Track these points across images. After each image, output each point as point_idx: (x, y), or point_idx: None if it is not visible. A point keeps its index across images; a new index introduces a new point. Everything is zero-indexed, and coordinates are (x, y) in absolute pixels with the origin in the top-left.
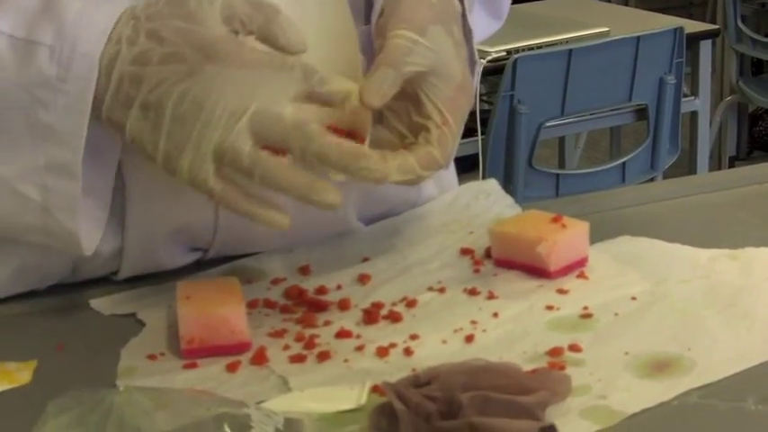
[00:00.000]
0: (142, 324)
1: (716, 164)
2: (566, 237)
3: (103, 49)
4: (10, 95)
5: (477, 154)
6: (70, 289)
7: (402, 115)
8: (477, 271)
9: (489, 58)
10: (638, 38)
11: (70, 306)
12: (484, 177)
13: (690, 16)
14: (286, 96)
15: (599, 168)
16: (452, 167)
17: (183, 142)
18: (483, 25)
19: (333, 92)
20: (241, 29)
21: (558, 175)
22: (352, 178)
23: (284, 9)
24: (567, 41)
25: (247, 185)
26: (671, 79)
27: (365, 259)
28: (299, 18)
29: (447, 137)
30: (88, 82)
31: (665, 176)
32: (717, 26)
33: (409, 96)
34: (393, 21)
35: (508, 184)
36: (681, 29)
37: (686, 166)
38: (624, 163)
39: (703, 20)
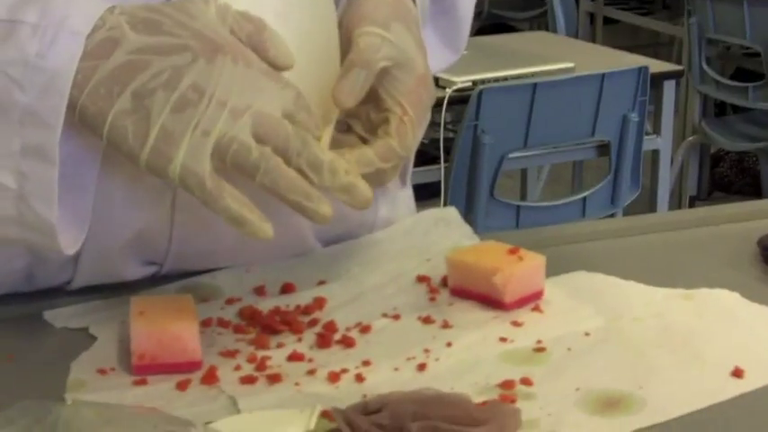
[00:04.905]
0: (94, 338)
1: (676, 203)
2: (522, 269)
3: (93, 33)
4: None
5: (440, 182)
6: (23, 299)
7: (363, 118)
8: (432, 299)
9: (455, 87)
10: (603, 75)
11: (23, 316)
12: (445, 205)
13: (655, 55)
14: (279, 108)
15: (560, 202)
16: (410, 192)
17: (180, 133)
18: (439, 56)
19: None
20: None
21: (518, 206)
22: (334, 192)
23: (271, 24)
24: (532, 75)
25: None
26: (634, 117)
27: (321, 282)
28: (284, 33)
29: (406, 127)
30: (70, 60)
31: (626, 213)
32: (681, 67)
33: (369, 97)
34: (356, 18)
35: (469, 213)
36: (645, 68)
37: (647, 203)
38: (585, 198)
39: (669, 60)
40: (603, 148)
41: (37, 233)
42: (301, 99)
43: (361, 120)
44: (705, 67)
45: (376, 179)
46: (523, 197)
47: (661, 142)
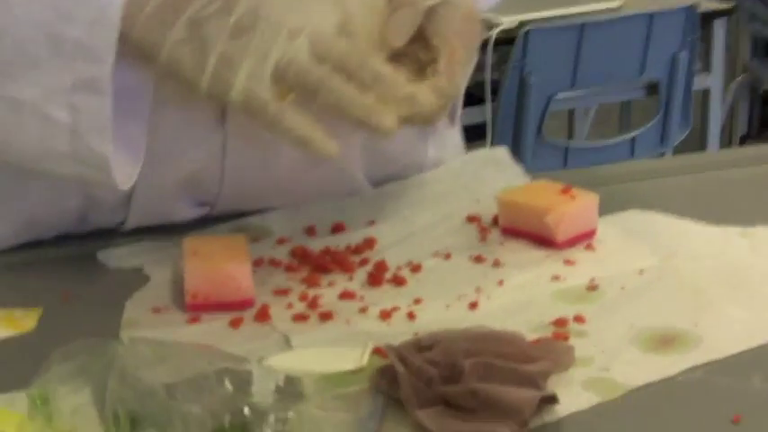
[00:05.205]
0: (148, 278)
1: (726, 142)
2: (574, 208)
3: None
4: (31, 13)
5: (485, 123)
6: (77, 239)
7: (411, 58)
8: (483, 239)
9: (501, 28)
10: (651, 15)
11: (77, 257)
12: (492, 146)
13: None
14: (333, 26)
15: (608, 142)
16: (458, 132)
17: (239, 57)
18: None
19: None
20: None
21: (566, 147)
22: (396, 101)
23: None
24: (579, 15)
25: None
26: (683, 56)
27: (371, 222)
28: None
29: (455, 66)
30: None
31: (675, 153)
32: (731, 5)
33: (416, 36)
34: None
35: (516, 155)
36: (693, 7)
37: (696, 143)
38: (634, 137)
39: None
40: (652, 88)
41: (92, 168)
42: (349, 17)
43: (409, 59)
44: (755, 4)
45: (423, 116)
46: (571, 138)
47: (711, 81)
